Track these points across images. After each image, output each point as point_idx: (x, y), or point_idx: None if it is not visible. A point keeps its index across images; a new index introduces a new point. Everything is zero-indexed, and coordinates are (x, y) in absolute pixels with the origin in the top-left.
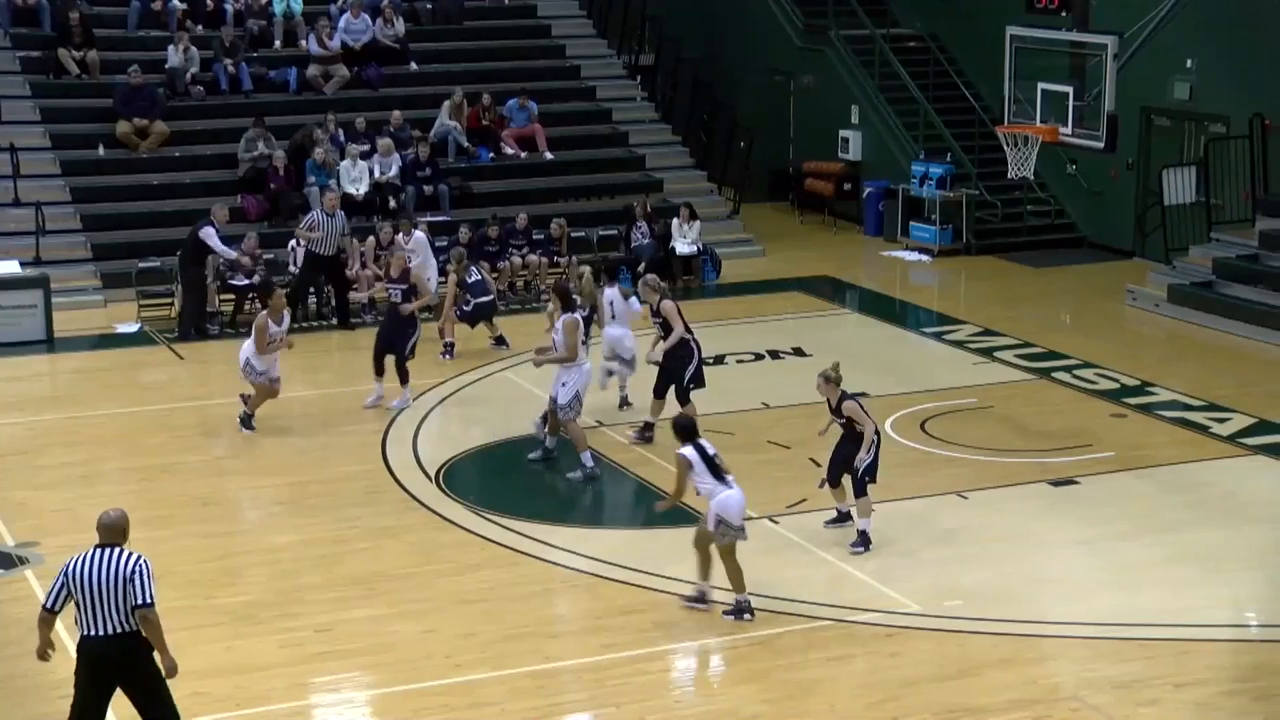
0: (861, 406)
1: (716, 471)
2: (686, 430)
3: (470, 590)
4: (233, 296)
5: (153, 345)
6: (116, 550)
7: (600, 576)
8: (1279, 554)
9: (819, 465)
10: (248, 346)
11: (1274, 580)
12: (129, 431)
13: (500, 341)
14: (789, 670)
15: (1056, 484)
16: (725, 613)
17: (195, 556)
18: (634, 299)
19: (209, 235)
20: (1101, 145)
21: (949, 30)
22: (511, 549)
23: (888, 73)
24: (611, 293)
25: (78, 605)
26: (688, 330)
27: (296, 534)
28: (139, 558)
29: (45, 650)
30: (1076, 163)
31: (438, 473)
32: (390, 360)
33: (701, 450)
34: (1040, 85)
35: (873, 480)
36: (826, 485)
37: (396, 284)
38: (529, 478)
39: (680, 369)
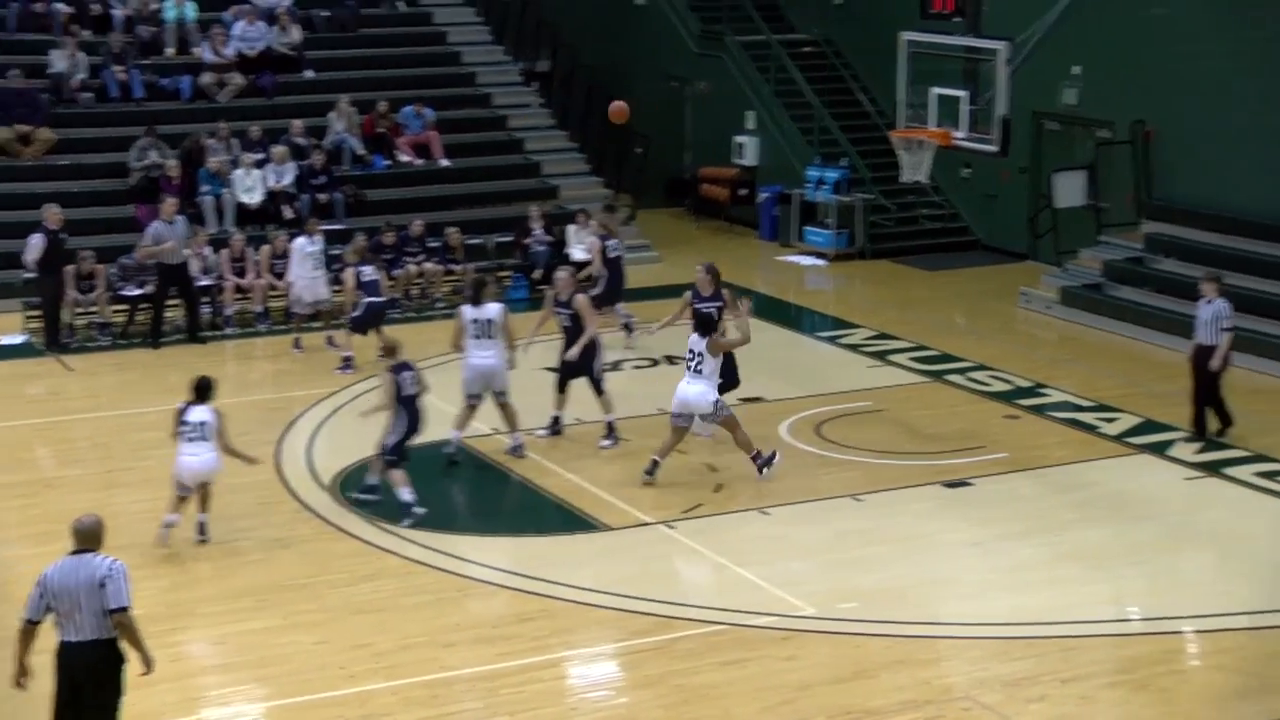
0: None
1: None
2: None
3: (364, 600)
4: (126, 307)
5: (40, 356)
6: (91, 555)
7: (495, 584)
8: (1159, 551)
9: (715, 470)
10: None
11: (1153, 576)
12: (11, 445)
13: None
14: (685, 675)
15: (950, 485)
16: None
17: None
18: None
19: (30, 243)
20: (995, 149)
21: (844, 35)
22: (406, 558)
23: (783, 78)
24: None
25: (55, 612)
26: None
27: (188, 546)
28: (113, 562)
29: (21, 674)
30: (970, 166)
31: (333, 482)
32: None
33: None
34: (934, 90)
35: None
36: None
37: None
38: (424, 486)
39: (589, 364)
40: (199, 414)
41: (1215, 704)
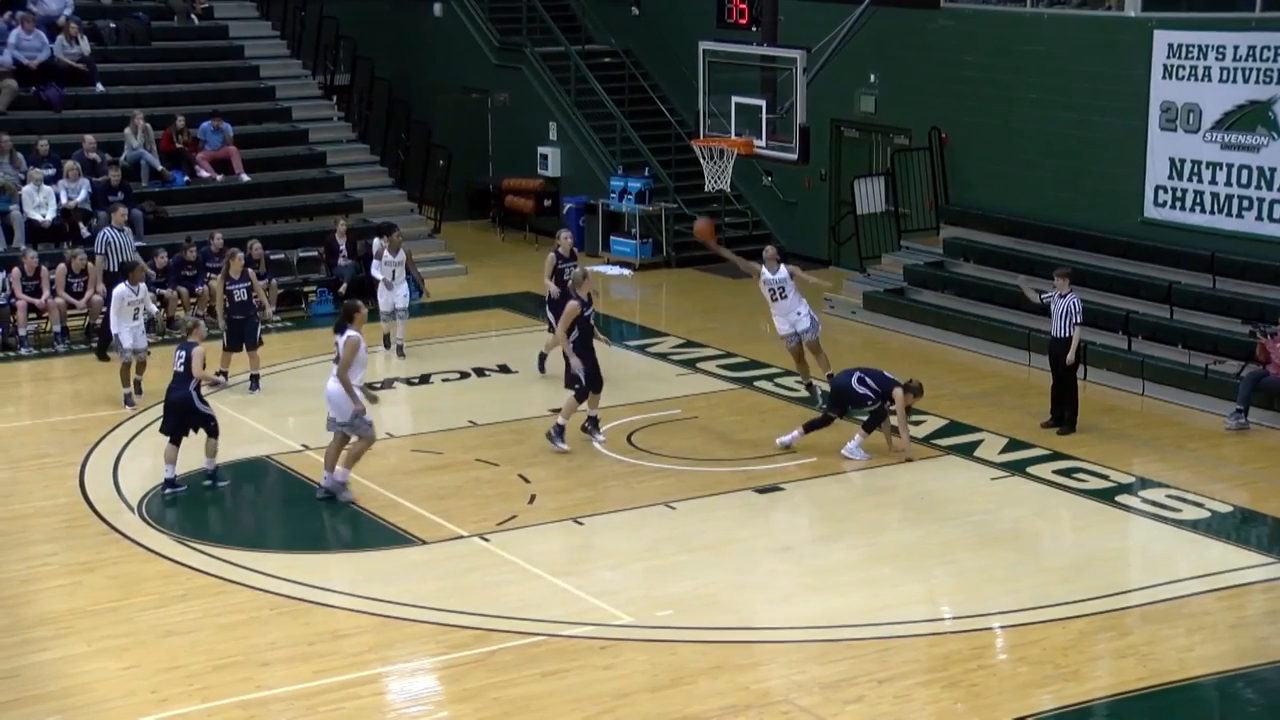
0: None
1: None
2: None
3: (176, 622)
4: None
5: None
6: None
7: (310, 601)
8: (968, 549)
9: (528, 481)
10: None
11: (963, 574)
12: None
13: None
14: (503, 688)
15: (762, 491)
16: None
17: None
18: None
19: None
20: (795, 157)
21: (643, 46)
22: (218, 577)
23: (584, 89)
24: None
25: None
26: None
27: None
28: None
29: None
30: (772, 174)
31: (140, 503)
32: None
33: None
34: (734, 99)
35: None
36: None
37: None
38: (233, 505)
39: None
40: None
41: (1018, 695)
